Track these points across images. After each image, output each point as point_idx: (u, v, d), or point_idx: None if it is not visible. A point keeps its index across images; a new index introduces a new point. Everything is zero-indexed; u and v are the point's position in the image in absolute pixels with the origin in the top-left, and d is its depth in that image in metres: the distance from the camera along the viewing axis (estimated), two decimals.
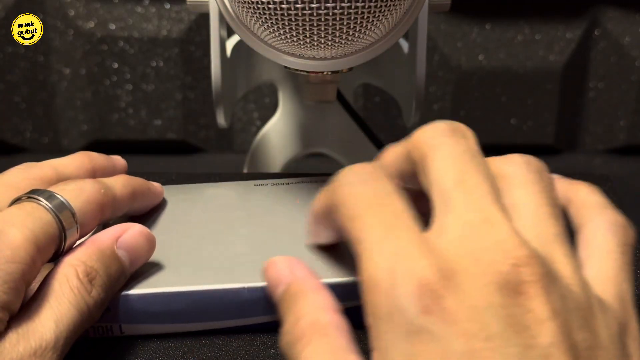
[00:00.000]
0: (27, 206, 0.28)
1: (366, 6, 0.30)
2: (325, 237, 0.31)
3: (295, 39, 0.32)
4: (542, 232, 0.23)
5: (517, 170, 0.25)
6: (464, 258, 0.22)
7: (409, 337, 0.21)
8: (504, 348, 0.20)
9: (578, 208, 0.27)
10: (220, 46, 0.43)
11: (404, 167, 0.26)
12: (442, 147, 0.24)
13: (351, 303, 0.31)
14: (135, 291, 0.30)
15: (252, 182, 0.39)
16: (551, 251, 0.23)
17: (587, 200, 0.28)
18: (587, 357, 0.21)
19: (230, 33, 0.46)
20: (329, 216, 0.26)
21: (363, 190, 0.24)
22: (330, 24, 0.31)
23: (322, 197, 0.27)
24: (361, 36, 0.32)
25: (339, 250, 0.32)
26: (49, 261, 0.29)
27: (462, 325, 0.21)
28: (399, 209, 0.23)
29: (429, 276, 0.21)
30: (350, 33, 0.31)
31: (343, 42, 0.32)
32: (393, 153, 0.27)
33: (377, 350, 0.22)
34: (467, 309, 0.21)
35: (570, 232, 0.26)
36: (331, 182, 0.26)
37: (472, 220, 0.22)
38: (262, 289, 0.30)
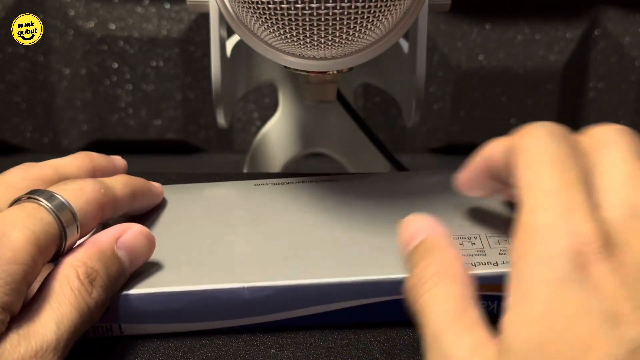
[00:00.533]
0: (28, 207, 0.28)
1: (366, 6, 0.30)
2: (481, 188, 0.30)
3: (295, 39, 0.32)
4: None
5: None
6: (629, 234, 0.22)
7: (557, 284, 0.21)
8: None
9: None
10: (220, 46, 0.43)
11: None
12: (619, 142, 0.25)
13: (354, 302, 0.31)
14: (135, 291, 0.30)
15: (252, 182, 0.39)
16: None
17: None
18: None
19: (230, 33, 0.46)
20: (502, 161, 0.27)
21: (555, 145, 0.25)
22: (330, 23, 0.31)
23: (500, 141, 0.27)
24: (361, 36, 0.32)
25: (343, 251, 0.32)
26: (50, 261, 0.29)
27: (611, 289, 0.21)
28: (581, 175, 0.24)
29: (590, 238, 0.22)
30: (350, 33, 0.31)
31: (343, 42, 0.32)
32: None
33: (518, 291, 0.22)
34: (619, 276, 0.21)
35: None
36: (519, 130, 0.26)
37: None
38: (262, 288, 0.30)
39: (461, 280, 0.25)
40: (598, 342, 0.20)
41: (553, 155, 0.24)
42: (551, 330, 0.21)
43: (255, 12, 0.31)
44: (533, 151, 0.25)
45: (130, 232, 0.31)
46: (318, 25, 0.31)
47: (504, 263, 0.31)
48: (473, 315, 0.24)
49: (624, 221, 0.23)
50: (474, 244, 0.32)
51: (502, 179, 0.28)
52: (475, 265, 0.31)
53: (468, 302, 0.24)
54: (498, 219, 0.34)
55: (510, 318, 0.22)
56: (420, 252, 0.27)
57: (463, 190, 0.32)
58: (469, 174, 0.31)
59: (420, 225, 0.28)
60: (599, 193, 0.24)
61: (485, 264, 0.31)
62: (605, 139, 0.25)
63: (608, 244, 0.22)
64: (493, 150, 0.28)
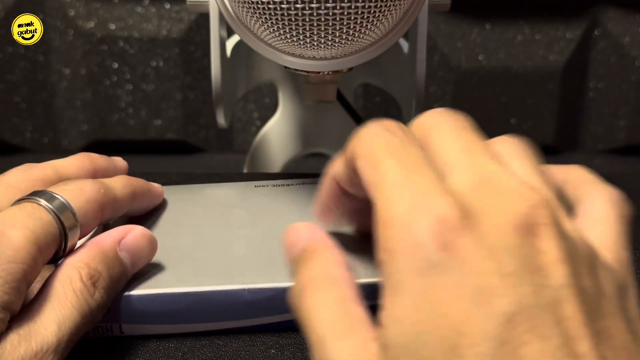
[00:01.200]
0: (28, 207, 0.28)
1: (366, 6, 0.30)
2: (336, 214, 0.30)
3: (295, 39, 0.32)
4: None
5: (508, 147, 0.26)
6: (482, 200, 0.22)
7: (424, 272, 0.21)
8: (518, 287, 0.20)
9: (575, 185, 0.28)
10: (220, 46, 0.43)
11: None
12: (444, 123, 0.25)
13: None
14: (135, 292, 0.30)
15: (253, 183, 0.39)
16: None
17: (583, 178, 0.28)
18: (593, 303, 0.21)
19: (230, 33, 0.46)
20: (349, 174, 0.26)
21: (388, 139, 0.25)
22: (330, 24, 0.31)
23: (340, 156, 0.27)
24: (361, 36, 0.32)
25: (343, 252, 0.32)
26: (50, 262, 0.29)
27: (478, 263, 0.21)
28: (423, 158, 0.24)
29: (448, 213, 0.21)
30: (350, 33, 0.31)
31: (343, 42, 0.32)
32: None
33: (390, 286, 0.22)
34: (483, 248, 0.21)
35: None
36: (353, 136, 0.26)
37: (483, 175, 0.23)
38: (263, 290, 0.30)
39: (342, 283, 0.25)
40: (473, 323, 0.20)
41: (389, 147, 0.24)
42: (424, 322, 0.21)
43: (255, 12, 0.31)
44: (369, 150, 0.25)
45: (132, 234, 0.31)
46: (318, 25, 0.31)
47: None
48: (356, 316, 0.23)
49: (475, 189, 0.22)
50: None
51: (355, 194, 0.27)
52: None
53: (349, 304, 0.24)
54: None
55: (385, 315, 0.22)
56: (302, 258, 0.26)
57: (321, 220, 0.30)
58: (322, 201, 0.29)
59: (301, 233, 0.28)
60: (443, 171, 0.24)
61: None
62: (431, 123, 0.26)
63: (466, 215, 0.22)
64: (336, 166, 0.28)
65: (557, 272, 0.21)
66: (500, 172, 0.23)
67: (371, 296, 0.28)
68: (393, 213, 0.22)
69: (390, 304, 0.22)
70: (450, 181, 0.23)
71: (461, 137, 0.25)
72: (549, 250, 0.21)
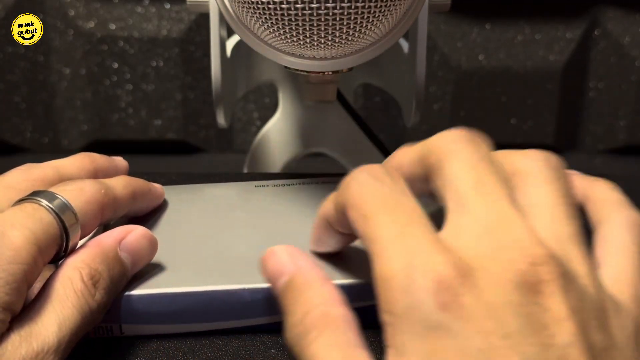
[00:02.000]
0: (28, 207, 0.28)
1: (366, 6, 0.30)
2: (330, 245, 0.30)
3: (295, 39, 0.32)
4: (558, 232, 0.23)
5: (534, 167, 0.25)
6: (482, 256, 0.22)
7: (426, 333, 0.21)
8: (522, 346, 0.20)
9: (596, 205, 0.27)
10: (220, 46, 0.43)
11: (416, 170, 0.26)
12: (460, 153, 0.24)
13: (355, 304, 0.31)
14: (135, 292, 0.30)
15: (253, 183, 0.39)
16: (567, 251, 0.23)
17: (605, 198, 0.28)
18: (603, 357, 0.21)
19: (230, 33, 0.46)
20: (339, 218, 0.26)
21: (377, 189, 0.24)
22: (330, 24, 0.31)
23: (331, 198, 0.27)
24: (361, 36, 0.32)
25: (343, 252, 0.32)
26: (51, 262, 0.29)
27: (480, 322, 0.20)
28: (414, 209, 0.23)
29: (446, 273, 0.21)
30: (350, 33, 0.31)
31: (343, 42, 0.32)
32: (406, 155, 0.27)
33: (392, 347, 0.22)
34: (484, 306, 0.21)
35: (587, 230, 0.26)
36: (342, 182, 0.26)
37: (488, 220, 0.22)
38: (263, 290, 0.30)
39: (343, 324, 0.24)
40: None
41: (379, 198, 0.24)
42: None
43: (255, 12, 0.31)
44: (360, 201, 0.24)
45: (133, 235, 0.31)
46: (318, 25, 0.31)
47: None
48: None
49: (476, 241, 0.22)
50: None
51: (346, 232, 0.27)
52: None
53: (355, 351, 0.23)
54: None
55: None
56: (292, 295, 0.26)
57: (316, 249, 0.31)
58: (316, 235, 0.30)
59: (282, 261, 0.27)
60: (454, 206, 0.23)
61: None
62: (449, 148, 0.25)
63: (465, 273, 0.21)
64: (326, 207, 0.27)
65: (563, 330, 0.20)
66: (508, 216, 0.22)
67: (363, 297, 0.28)
68: (390, 273, 0.22)
69: None
70: (452, 228, 0.23)
71: (475, 171, 0.24)
72: (554, 307, 0.21)
